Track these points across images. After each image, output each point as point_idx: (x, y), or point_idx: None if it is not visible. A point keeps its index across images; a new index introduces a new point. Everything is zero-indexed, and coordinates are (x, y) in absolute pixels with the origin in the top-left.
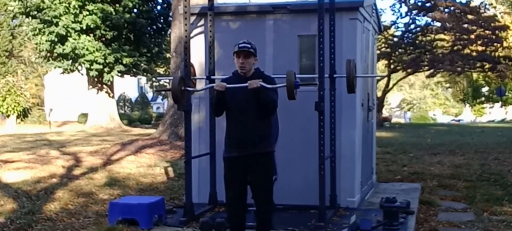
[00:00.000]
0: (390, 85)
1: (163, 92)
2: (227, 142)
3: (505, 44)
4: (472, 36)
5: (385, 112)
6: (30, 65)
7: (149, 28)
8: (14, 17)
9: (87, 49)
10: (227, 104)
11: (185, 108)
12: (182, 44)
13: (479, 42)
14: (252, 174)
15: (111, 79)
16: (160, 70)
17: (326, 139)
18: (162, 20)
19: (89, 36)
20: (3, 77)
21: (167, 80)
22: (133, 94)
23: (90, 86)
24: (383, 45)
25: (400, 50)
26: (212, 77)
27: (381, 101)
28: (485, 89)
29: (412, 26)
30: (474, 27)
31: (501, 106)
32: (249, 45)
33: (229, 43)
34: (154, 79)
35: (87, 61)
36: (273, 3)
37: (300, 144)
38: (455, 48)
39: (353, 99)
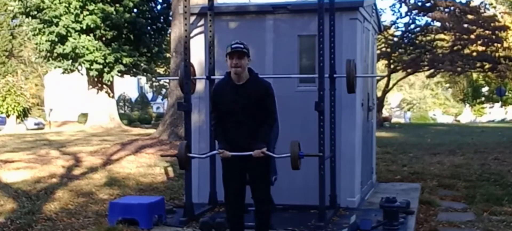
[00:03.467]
0: (390, 85)
1: (168, 156)
2: (224, 144)
3: (505, 44)
4: (472, 36)
5: (385, 112)
6: (30, 65)
7: (149, 28)
8: (14, 17)
9: (87, 49)
10: (223, 117)
11: (185, 109)
12: (182, 44)
13: (479, 42)
14: (251, 174)
15: (111, 79)
16: (160, 70)
17: (326, 139)
18: (162, 20)
19: (89, 36)
20: (3, 77)
21: (167, 80)
22: (133, 94)
23: (90, 86)
24: (383, 45)
25: (400, 50)
26: (212, 77)
27: (381, 101)
28: (485, 89)
29: (412, 26)
30: (474, 27)
31: (501, 107)
32: (241, 46)
33: (229, 43)
34: (154, 79)
35: (87, 61)
36: (273, 3)
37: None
38: (455, 48)
39: (353, 99)
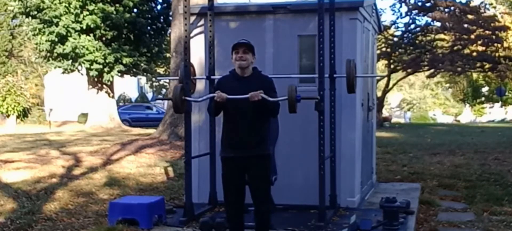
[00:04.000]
0: (390, 85)
1: (164, 99)
2: (224, 142)
3: (505, 44)
4: (472, 36)
5: (385, 112)
6: (30, 65)
7: (149, 28)
8: (14, 17)
9: (87, 49)
10: (224, 106)
11: (185, 109)
12: (182, 44)
13: (479, 42)
14: (250, 174)
15: (111, 79)
16: (160, 70)
17: (326, 139)
18: (162, 20)
19: (89, 36)
20: (3, 77)
21: (167, 80)
22: (133, 94)
23: (90, 86)
24: (383, 45)
25: (400, 50)
26: (212, 77)
27: (381, 101)
28: (485, 89)
29: (412, 26)
30: (474, 27)
31: (501, 107)
32: (246, 41)
33: (229, 43)
34: (154, 79)
35: (87, 61)
36: (273, 3)
37: (300, 144)
38: (455, 48)
39: (353, 99)
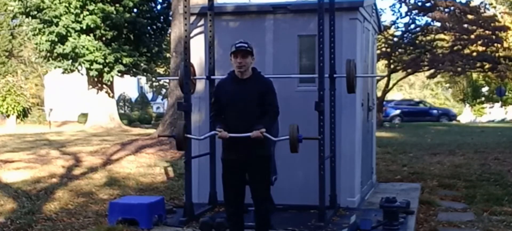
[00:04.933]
0: (390, 85)
1: (165, 137)
2: (225, 144)
3: (505, 44)
4: (472, 36)
5: None
6: (30, 65)
7: (149, 27)
8: (14, 17)
9: (87, 49)
10: (224, 108)
11: (185, 109)
12: (182, 44)
13: (479, 42)
14: (250, 175)
15: (111, 79)
16: (160, 70)
17: (326, 139)
18: (162, 20)
19: (89, 36)
20: (3, 77)
21: (167, 80)
22: (133, 94)
23: (90, 86)
24: (383, 45)
25: (400, 50)
26: (212, 77)
27: (381, 101)
28: (485, 89)
29: (412, 26)
30: (474, 27)
31: (501, 106)
32: (245, 44)
33: (229, 43)
34: (154, 79)
35: (87, 61)
36: (273, 3)
37: (300, 144)
38: (455, 48)
39: (353, 99)
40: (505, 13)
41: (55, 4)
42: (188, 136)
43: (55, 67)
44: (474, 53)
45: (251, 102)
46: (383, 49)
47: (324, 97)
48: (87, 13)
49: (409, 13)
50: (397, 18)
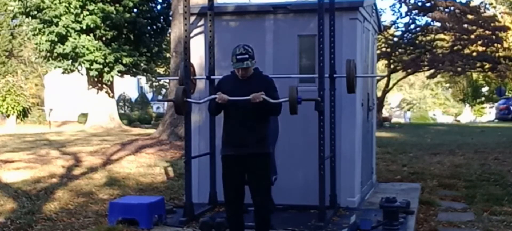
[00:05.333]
0: (390, 85)
1: (164, 101)
2: (225, 141)
3: (505, 44)
4: (472, 36)
5: (385, 112)
6: (30, 65)
7: (149, 27)
8: (14, 17)
9: (87, 49)
10: (225, 106)
11: (185, 109)
12: (182, 44)
13: (479, 42)
14: (250, 174)
15: (111, 79)
16: (160, 70)
17: (326, 139)
18: (162, 20)
19: (89, 36)
20: (3, 77)
21: (167, 80)
22: (133, 94)
23: (90, 86)
24: (383, 45)
25: (400, 50)
26: (212, 77)
27: (381, 101)
28: (485, 89)
29: (412, 26)
30: (474, 27)
31: None
32: (246, 56)
33: (229, 43)
34: (154, 79)
35: (87, 61)
36: (273, 3)
37: (300, 144)
38: (455, 48)
39: (353, 99)
40: (505, 13)
41: (55, 4)
42: (188, 100)
43: (55, 67)
44: (474, 53)
45: (251, 102)
46: (383, 49)
47: (324, 97)
48: (87, 13)
49: (409, 13)
50: (397, 18)
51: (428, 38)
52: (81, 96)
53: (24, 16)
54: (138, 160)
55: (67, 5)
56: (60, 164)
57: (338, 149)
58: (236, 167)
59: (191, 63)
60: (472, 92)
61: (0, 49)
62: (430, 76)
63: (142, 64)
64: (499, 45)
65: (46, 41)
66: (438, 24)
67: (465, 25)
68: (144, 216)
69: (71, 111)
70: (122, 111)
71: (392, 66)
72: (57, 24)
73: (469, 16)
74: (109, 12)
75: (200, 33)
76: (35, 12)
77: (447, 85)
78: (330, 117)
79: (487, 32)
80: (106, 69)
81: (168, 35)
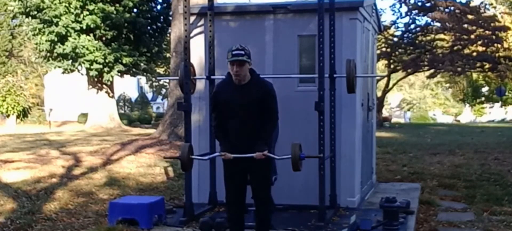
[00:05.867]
0: (390, 85)
1: (170, 158)
2: (225, 145)
3: (505, 44)
4: (472, 36)
5: (385, 112)
6: (30, 65)
7: (149, 27)
8: (14, 17)
9: (87, 49)
10: (224, 116)
11: (185, 108)
12: (182, 44)
13: (479, 42)
14: (251, 174)
15: (111, 79)
16: (160, 70)
17: (326, 139)
18: (162, 20)
19: (89, 36)
20: (3, 77)
21: (167, 80)
22: (133, 94)
23: (90, 86)
24: (383, 45)
25: (400, 50)
26: (212, 77)
27: (381, 101)
28: (485, 89)
29: (412, 26)
30: (474, 27)
31: (501, 106)
32: (242, 52)
33: (229, 43)
34: (154, 79)
35: (87, 61)
36: (273, 3)
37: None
38: (455, 48)
39: (353, 99)
40: (505, 13)
41: (55, 4)
42: (193, 157)
43: (55, 67)
44: (474, 53)
45: (251, 109)
46: (383, 49)
47: (324, 97)
48: (87, 13)
49: (409, 13)
50: (397, 18)
51: (428, 38)
52: (81, 96)
53: (24, 16)
54: (138, 160)
55: (67, 5)
56: (60, 164)
57: (338, 149)
58: (238, 168)
59: (191, 63)
60: (472, 92)
61: (0, 49)
62: (430, 76)
63: (142, 64)
64: (499, 45)
65: (46, 41)
66: (438, 24)
67: (465, 25)
68: (144, 216)
69: (71, 111)
70: (122, 111)
71: (392, 66)
72: (57, 24)
73: (469, 16)
74: (109, 12)
75: (200, 33)
76: (35, 12)
77: (447, 85)
78: (330, 117)
79: (487, 32)
80: (106, 69)
81: (168, 35)
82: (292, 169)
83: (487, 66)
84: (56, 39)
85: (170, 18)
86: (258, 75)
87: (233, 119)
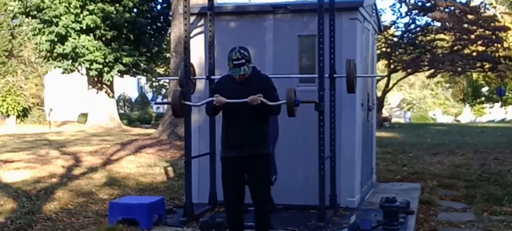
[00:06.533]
0: (390, 85)
1: (162, 104)
2: (224, 142)
3: (505, 44)
4: (472, 36)
5: (385, 112)
6: (30, 65)
7: (149, 27)
8: (14, 17)
9: (87, 49)
10: (223, 108)
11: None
12: (182, 44)
13: (479, 42)
14: (250, 174)
15: (110, 79)
16: (160, 70)
17: (326, 139)
18: (162, 20)
19: (89, 36)
20: (3, 77)
21: (167, 80)
22: (133, 94)
23: (90, 86)
24: (383, 45)
25: (400, 50)
26: (212, 77)
27: (381, 101)
28: (485, 89)
29: (412, 26)
30: (474, 27)
31: (501, 106)
32: (243, 61)
33: (228, 43)
34: (154, 79)
35: (87, 61)
36: (273, 3)
37: (300, 144)
38: (455, 48)
39: (353, 99)
40: (505, 13)
41: (55, 4)
42: (185, 102)
43: (55, 67)
44: (474, 53)
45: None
46: (383, 49)
47: (324, 97)
48: (87, 13)
49: (409, 13)
50: (397, 18)
51: (428, 38)
52: (81, 96)
53: (24, 16)
54: (138, 160)
55: (67, 5)
56: (60, 164)
57: (338, 149)
58: (236, 168)
59: (191, 63)
60: (472, 92)
61: (0, 49)
62: (430, 76)
63: (142, 64)
64: (499, 45)
65: (46, 41)
66: (438, 24)
67: (465, 25)
68: (144, 216)
69: (71, 111)
70: (122, 111)
71: (392, 66)
72: (57, 24)
73: (469, 16)
74: (109, 12)
75: (200, 33)
76: (35, 12)
77: (447, 85)
78: (330, 117)
79: (487, 32)
80: (106, 69)
81: (168, 35)
82: (287, 114)
83: (487, 66)
84: (56, 39)
85: (170, 18)
86: (258, 71)
87: (232, 112)
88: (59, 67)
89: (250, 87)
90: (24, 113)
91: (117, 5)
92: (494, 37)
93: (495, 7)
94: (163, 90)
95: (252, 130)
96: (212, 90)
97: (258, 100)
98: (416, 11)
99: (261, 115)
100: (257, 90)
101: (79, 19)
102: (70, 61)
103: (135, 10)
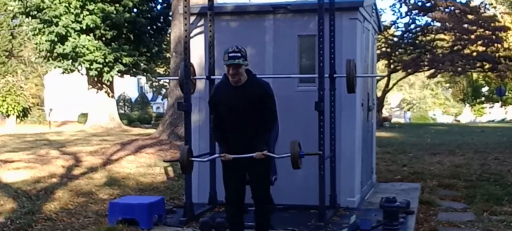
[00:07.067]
0: (390, 85)
1: (170, 161)
2: (224, 146)
3: (505, 44)
4: (472, 36)
5: (385, 112)
6: (30, 65)
7: (149, 27)
8: (14, 17)
9: (87, 49)
10: (222, 113)
11: (185, 108)
12: (182, 44)
13: (479, 42)
14: (250, 174)
15: (110, 79)
16: (160, 70)
17: (326, 139)
18: (162, 20)
19: (89, 36)
20: (3, 77)
21: (167, 80)
22: (133, 94)
23: (90, 86)
24: (383, 45)
25: (400, 50)
26: (212, 77)
27: (381, 101)
28: (485, 89)
29: (412, 26)
30: (474, 27)
31: (501, 106)
32: (238, 54)
33: (228, 43)
34: (154, 79)
35: (87, 60)
36: (273, 3)
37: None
38: (455, 48)
39: (353, 99)
40: (505, 13)
41: (55, 4)
42: (193, 159)
43: (55, 67)
44: (474, 53)
45: (249, 110)
46: (383, 49)
47: (324, 97)
48: (87, 13)
49: (409, 13)
50: (397, 18)
51: (428, 38)
52: (81, 96)
53: (24, 16)
54: (138, 160)
55: (67, 5)
56: (60, 164)
57: (338, 149)
58: (236, 169)
59: (191, 63)
60: (472, 92)
61: (0, 49)
62: (430, 76)
63: (142, 64)
64: (499, 45)
65: (46, 41)
66: (438, 24)
67: (465, 25)
68: (144, 216)
69: (71, 111)
70: (122, 111)
71: (392, 66)
72: (57, 24)
73: (469, 16)
74: (109, 12)
75: (200, 33)
76: (35, 12)
77: (447, 85)
78: (330, 117)
79: (487, 32)
80: (106, 69)
81: (168, 35)
82: (292, 167)
83: (487, 66)
84: (56, 39)
85: (170, 18)
86: (254, 76)
87: (231, 120)
88: (59, 67)
89: (247, 95)
90: (24, 114)
91: (117, 5)
92: (494, 37)
93: (495, 7)
94: (163, 90)
95: (252, 135)
96: (210, 101)
97: (263, 156)
98: (416, 11)
99: (261, 122)
100: (254, 96)
101: (79, 19)
102: (70, 61)
103: (135, 10)
